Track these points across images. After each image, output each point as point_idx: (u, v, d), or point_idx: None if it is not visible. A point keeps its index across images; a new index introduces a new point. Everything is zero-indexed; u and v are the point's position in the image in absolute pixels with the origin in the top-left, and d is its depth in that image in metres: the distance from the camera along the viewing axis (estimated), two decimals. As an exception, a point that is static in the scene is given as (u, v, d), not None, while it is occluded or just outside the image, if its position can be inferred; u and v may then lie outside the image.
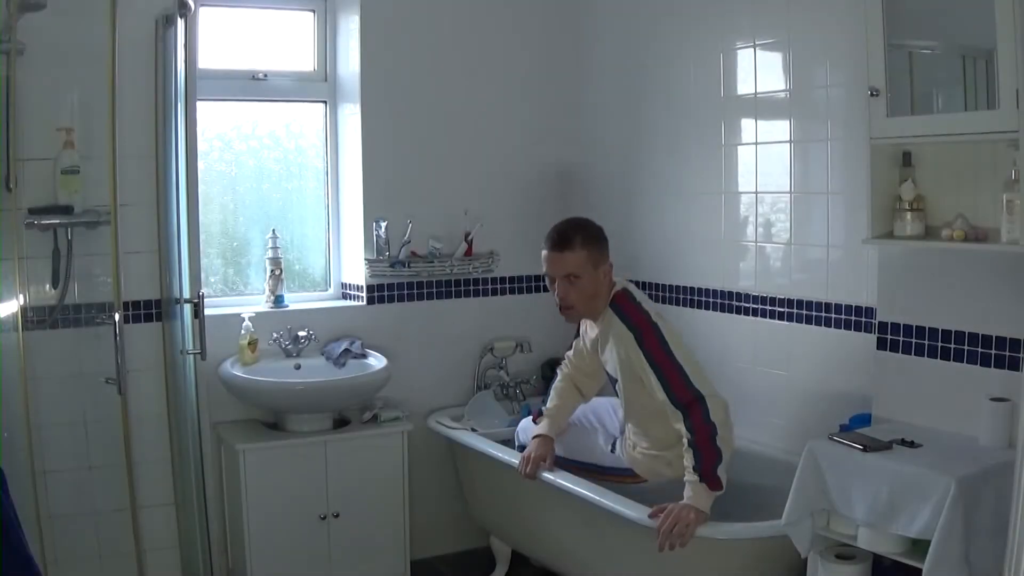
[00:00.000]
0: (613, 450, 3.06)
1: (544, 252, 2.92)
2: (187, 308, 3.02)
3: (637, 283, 3.70)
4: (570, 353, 3.23)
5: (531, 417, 3.29)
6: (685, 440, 2.68)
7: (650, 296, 3.67)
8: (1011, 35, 2.10)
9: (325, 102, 3.79)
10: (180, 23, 2.99)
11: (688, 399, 2.70)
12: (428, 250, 3.75)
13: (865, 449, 2.33)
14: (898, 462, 2.26)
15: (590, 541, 2.96)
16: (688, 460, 2.67)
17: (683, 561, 2.62)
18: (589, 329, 3.05)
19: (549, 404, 3.20)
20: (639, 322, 2.82)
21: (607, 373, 3.00)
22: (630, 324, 2.82)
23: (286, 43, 3.73)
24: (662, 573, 2.75)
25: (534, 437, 3.12)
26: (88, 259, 3.13)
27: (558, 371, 3.27)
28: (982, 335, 2.43)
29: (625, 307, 2.88)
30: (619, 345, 2.84)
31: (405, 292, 3.77)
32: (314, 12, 3.74)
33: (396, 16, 3.66)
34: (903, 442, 2.37)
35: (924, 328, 2.57)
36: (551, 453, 3.07)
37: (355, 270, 3.76)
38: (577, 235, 2.88)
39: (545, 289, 3.21)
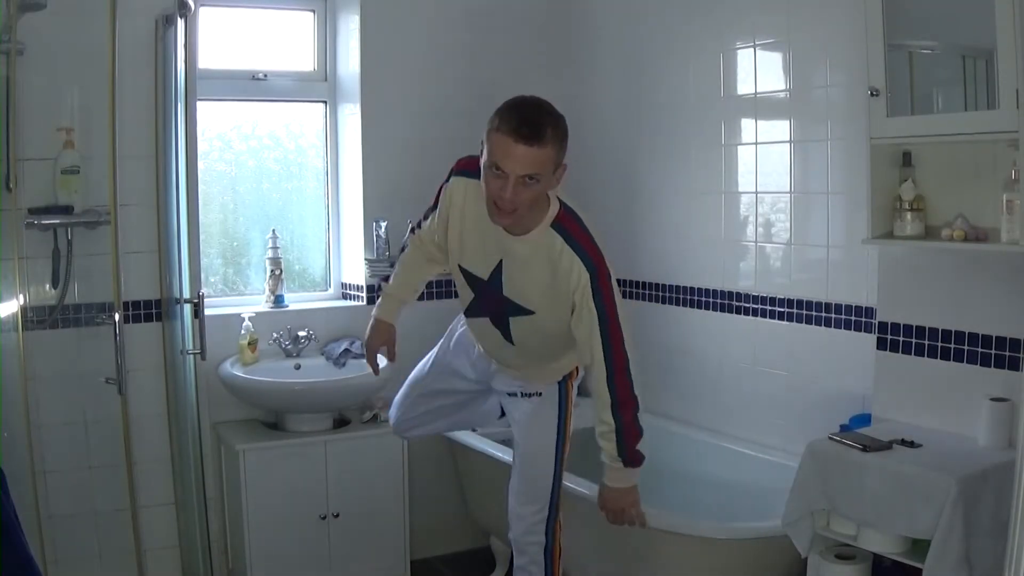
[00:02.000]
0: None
1: (501, 137, 2.18)
2: (187, 308, 3.02)
3: (637, 283, 3.72)
4: (423, 232, 2.60)
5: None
6: (605, 429, 2.36)
7: (650, 296, 3.68)
8: (1011, 35, 2.10)
9: (325, 102, 3.79)
10: (180, 23, 2.99)
11: (625, 396, 2.34)
12: (428, 250, 3.74)
13: (865, 449, 2.33)
14: (898, 462, 2.26)
15: (589, 541, 2.96)
16: (611, 448, 2.38)
17: (683, 561, 2.62)
18: (480, 227, 2.39)
19: (393, 280, 2.70)
20: (596, 259, 2.29)
21: (494, 295, 2.43)
22: (585, 257, 2.28)
23: (286, 43, 3.73)
24: (662, 572, 2.75)
25: (375, 321, 2.69)
26: (88, 259, 3.13)
27: (407, 243, 2.71)
28: (982, 335, 2.43)
29: (576, 233, 2.31)
30: (557, 275, 2.31)
31: (405, 292, 3.76)
32: (314, 12, 3.74)
33: (396, 16, 3.66)
34: (903, 442, 2.37)
35: (924, 328, 2.57)
36: (392, 341, 2.69)
37: (355, 270, 3.75)
38: (548, 125, 2.20)
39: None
